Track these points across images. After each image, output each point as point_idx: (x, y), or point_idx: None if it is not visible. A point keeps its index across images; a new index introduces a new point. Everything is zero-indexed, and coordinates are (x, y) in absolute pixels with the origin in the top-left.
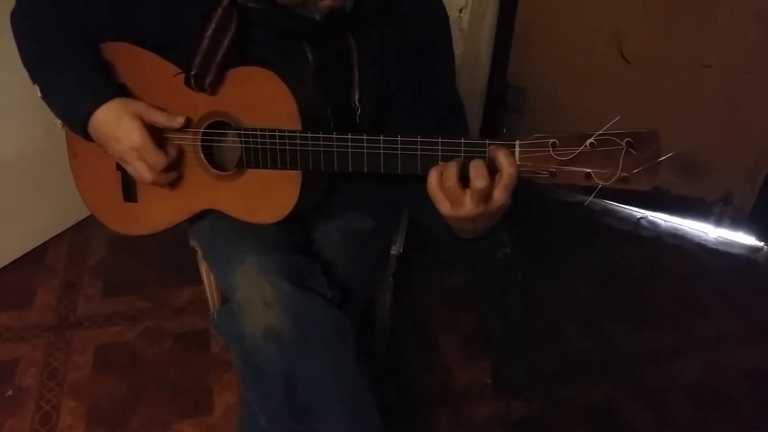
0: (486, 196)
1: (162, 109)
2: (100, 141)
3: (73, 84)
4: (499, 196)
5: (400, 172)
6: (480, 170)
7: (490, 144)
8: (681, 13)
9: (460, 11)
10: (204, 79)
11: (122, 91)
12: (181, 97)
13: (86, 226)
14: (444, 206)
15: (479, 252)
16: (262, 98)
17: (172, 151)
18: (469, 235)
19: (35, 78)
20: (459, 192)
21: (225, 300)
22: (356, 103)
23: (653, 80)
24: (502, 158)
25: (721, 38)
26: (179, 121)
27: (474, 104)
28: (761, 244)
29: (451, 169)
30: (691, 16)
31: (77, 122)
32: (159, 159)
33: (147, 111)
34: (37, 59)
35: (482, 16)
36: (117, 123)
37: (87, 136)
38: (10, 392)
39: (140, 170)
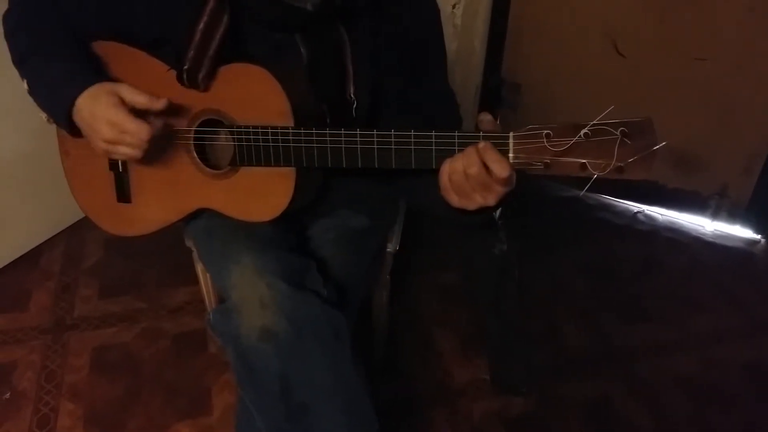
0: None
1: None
2: (85, 130)
3: (60, 73)
4: (499, 189)
5: (394, 167)
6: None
7: (484, 136)
8: (675, 7)
9: (454, 7)
10: (197, 74)
11: None
12: (172, 96)
13: (82, 228)
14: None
15: (483, 221)
16: (254, 95)
17: (156, 122)
18: (472, 207)
19: (23, 72)
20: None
21: (221, 300)
22: (352, 96)
23: (648, 74)
24: (494, 165)
25: (715, 32)
26: (161, 102)
27: (469, 100)
28: (758, 236)
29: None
30: (685, 10)
31: (62, 110)
32: (138, 127)
33: (127, 91)
34: (26, 53)
35: (476, 12)
36: (95, 102)
37: (73, 129)
38: (7, 395)
39: (125, 152)
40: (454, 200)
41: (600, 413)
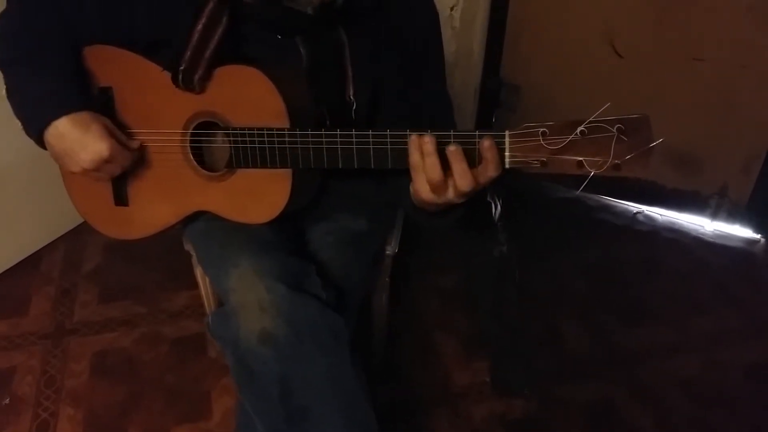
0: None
1: (128, 133)
2: (62, 149)
3: (44, 88)
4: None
5: (390, 167)
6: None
7: (480, 135)
8: (673, 7)
9: (452, 9)
10: (193, 75)
11: (108, 94)
12: (168, 99)
13: (81, 233)
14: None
15: (448, 225)
16: (249, 97)
17: (134, 145)
18: (432, 209)
19: (5, 77)
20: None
21: (220, 303)
22: (351, 98)
23: (646, 74)
24: (490, 158)
25: (714, 32)
26: (134, 144)
27: (468, 102)
28: (758, 236)
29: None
30: (683, 10)
31: (38, 126)
32: (125, 158)
33: (111, 126)
34: (14, 58)
35: (474, 14)
36: (85, 130)
37: (41, 142)
38: (7, 400)
39: (102, 175)
40: (433, 204)
41: (601, 415)
